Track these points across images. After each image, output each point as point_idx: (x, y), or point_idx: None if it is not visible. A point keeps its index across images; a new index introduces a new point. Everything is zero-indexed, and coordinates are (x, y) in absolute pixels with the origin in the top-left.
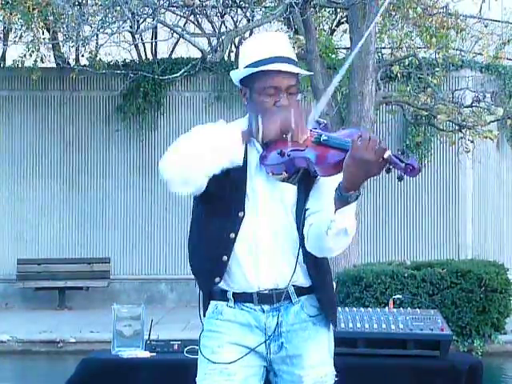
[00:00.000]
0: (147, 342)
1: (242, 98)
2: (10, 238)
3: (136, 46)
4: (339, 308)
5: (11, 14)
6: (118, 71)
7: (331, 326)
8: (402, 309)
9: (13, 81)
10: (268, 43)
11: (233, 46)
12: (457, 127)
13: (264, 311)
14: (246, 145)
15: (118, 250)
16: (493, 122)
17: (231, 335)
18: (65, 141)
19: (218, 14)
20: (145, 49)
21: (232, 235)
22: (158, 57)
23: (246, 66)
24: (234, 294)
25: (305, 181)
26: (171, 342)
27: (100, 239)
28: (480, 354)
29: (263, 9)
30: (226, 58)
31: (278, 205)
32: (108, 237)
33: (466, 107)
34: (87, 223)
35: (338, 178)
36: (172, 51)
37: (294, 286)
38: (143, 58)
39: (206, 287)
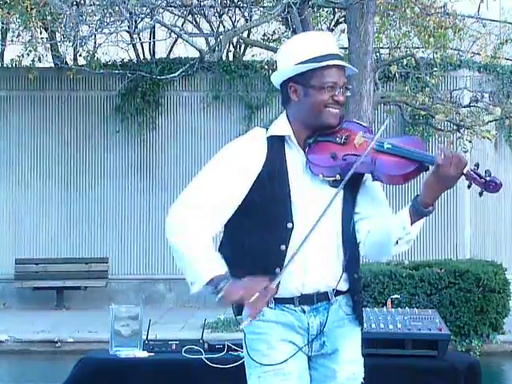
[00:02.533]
0: (145, 341)
1: (291, 94)
2: (8, 238)
3: (134, 46)
4: None
5: (9, 13)
6: (116, 71)
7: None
8: (399, 309)
9: (10, 80)
10: (323, 41)
11: (231, 45)
12: (455, 127)
13: (305, 312)
14: (285, 148)
15: (116, 250)
16: (491, 121)
17: (278, 334)
18: (63, 140)
19: (216, 14)
20: (143, 49)
21: (283, 247)
22: (156, 57)
23: (301, 63)
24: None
25: (351, 185)
26: (169, 342)
27: (98, 239)
28: (478, 353)
29: (261, 8)
30: (224, 58)
31: (327, 212)
32: (106, 237)
33: (464, 107)
34: (85, 223)
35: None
36: (170, 51)
37: (332, 289)
38: (141, 57)
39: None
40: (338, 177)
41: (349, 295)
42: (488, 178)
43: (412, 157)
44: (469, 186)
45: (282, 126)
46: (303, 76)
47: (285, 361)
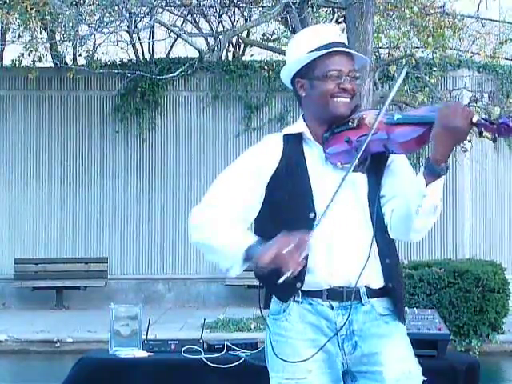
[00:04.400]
0: (144, 341)
1: (298, 90)
2: (7, 238)
3: (133, 46)
4: None
5: (9, 13)
6: (116, 71)
7: (405, 326)
8: None
9: (10, 80)
10: (324, 31)
11: (230, 45)
12: None
13: (333, 308)
14: (303, 145)
15: (115, 250)
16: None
17: (305, 339)
18: (62, 140)
19: (216, 14)
20: (142, 48)
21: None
22: (156, 56)
23: (310, 52)
24: (302, 289)
25: (374, 168)
26: (169, 342)
27: (97, 239)
28: (477, 353)
29: (260, 8)
30: (223, 58)
31: (351, 197)
32: (105, 236)
33: None
34: (85, 223)
35: (407, 161)
36: (169, 51)
37: (365, 286)
38: (141, 57)
39: (287, 295)
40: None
41: (385, 298)
42: (500, 121)
43: (421, 120)
44: (480, 134)
45: (297, 125)
46: (307, 69)
47: (307, 359)
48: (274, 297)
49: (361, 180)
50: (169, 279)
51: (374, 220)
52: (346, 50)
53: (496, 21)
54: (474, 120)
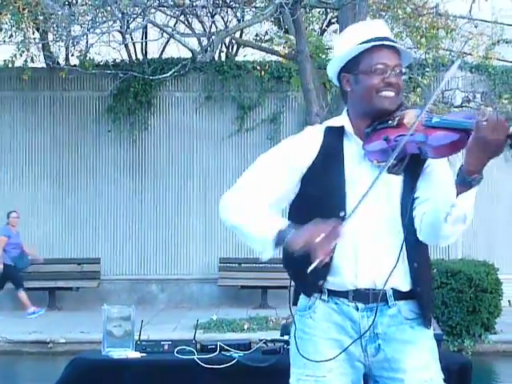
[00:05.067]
0: (137, 342)
1: (344, 85)
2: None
3: (126, 46)
4: None
5: (1, 13)
6: (108, 71)
7: (431, 329)
8: None
9: (3, 81)
10: (372, 26)
11: (223, 46)
12: None
13: (358, 309)
14: (343, 139)
15: (108, 251)
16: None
17: (328, 338)
18: (55, 141)
19: (209, 14)
20: (135, 49)
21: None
22: (148, 57)
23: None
24: (328, 288)
25: (410, 170)
26: (161, 343)
27: (90, 239)
28: (470, 353)
29: (253, 9)
30: (216, 58)
31: (383, 198)
32: (98, 237)
33: (456, 107)
34: (77, 223)
35: (446, 165)
36: (162, 51)
37: (392, 288)
38: (133, 57)
39: (310, 291)
40: (392, 160)
41: (412, 301)
42: None
43: (457, 126)
44: (511, 146)
45: (339, 118)
46: (353, 63)
47: (330, 359)
48: (302, 293)
49: (395, 181)
50: (162, 280)
51: (405, 223)
52: (392, 43)
53: (488, 21)
54: (511, 132)
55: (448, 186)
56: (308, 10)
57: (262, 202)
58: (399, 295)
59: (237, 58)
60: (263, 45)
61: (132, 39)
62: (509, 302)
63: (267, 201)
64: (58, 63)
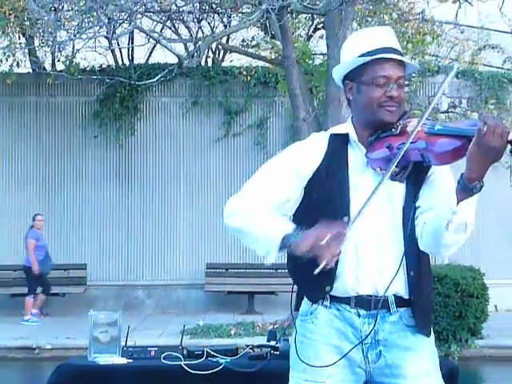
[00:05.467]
0: (124, 348)
1: (347, 93)
2: None
3: (112, 52)
4: None
5: None
6: (95, 76)
7: (432, 336)
8: None
9: None
10: (377, 35)
11: (210, 51)
12: None
13: (360, 315)
14: (347, 147)
15: (94, 256)
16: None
17: (329, 344)
18: (41, 146)
19: (195, 20)
20: (121, 54)
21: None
22: (135, 62)
23: (359, 56)
24: (331, 294)
25: (414, 178)
26: (148, 349)
27: (76, 245)
28: (457, 358)
29: (240, 14)
30: (202, 64)
31: (385, 205)
32: (84, 243)
33: (442, 113)
34: (63, 229)
35: (450, 174)
36: (149, 56)
37: (394, 295)
38: (120, 63)
39: (316, 297)
40: (394, 168)
41: (411, 307)
42: None
43: (459, 133)
44: (511, 151)
45: (344, 126)
46: (356, 72)
47: (330, 364)
48: (304, 298)
49: (398, 189)
50: (148, 285)
51: (407, 231)
52: (394, 56)
53: (474, 27)
54: (510, 138)
55: (450, 193)
56: (294, 15)
57: (267, 206)
58: (401, 302)
59: (223, 64)
60: (250, 50)
61: (118, 44)
62: (495, 306)
63: (272, 205)
64: (44, 68)
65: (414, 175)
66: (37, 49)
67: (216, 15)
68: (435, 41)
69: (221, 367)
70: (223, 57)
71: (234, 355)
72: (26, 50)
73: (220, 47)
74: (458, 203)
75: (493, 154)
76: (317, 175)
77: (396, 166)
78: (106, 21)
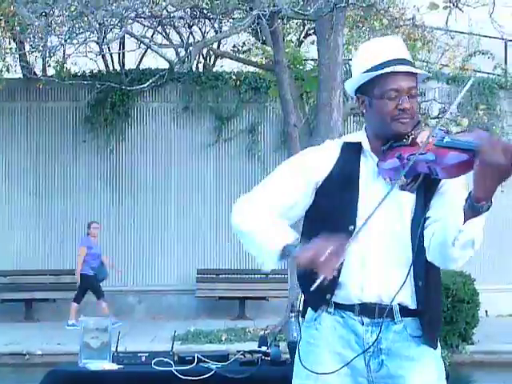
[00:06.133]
0: (114, 354)
1: (360, 106)
2: None
3: (103, 57)
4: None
5: None
6: (85, 82)
7: (438, 348)
8: None
9: None
10: (385, 47)
11: (201, 56)
12: None
13: (363, 323)
14: (360, 156)
15: None
16: (458, 133)
17: (331, 350)
18: (32, 151)
19: (186, 25)
20: (112, 59)
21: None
22: (126, 67)
23: (365, 72)
24: (334, 301)
25: (424, 189)
26: (139, 354)
27: (67, 250)
28: (448, 364)
29: (231, 20)
30: (193, 69)
31: (394, 215)
32: (75, 248)
33: (433, 118)
34: (54, 234)
35: (461, 187)
36: (140, 62)
37: (399, 304)
38: (111, 68)
39: (317, 304)
40: (402, 179)
41: (417, 317)
42: None
43: (466, 146)
44: None
45: (357, 134)
46: (367, 86)
47: (331, 372)
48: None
49: (408, 199)
50: (139, 291)
51: (416, 241)
52: (403, 69)
53: (465, 33)
54: None
55: (458, 210)
56: (285, 21)
57: (274, 211)
58: (406, 312)
59: (214, 69)
60: (241, 56)
61: (109, 50)
62: (486, 312)
63: (279, 210)
64: (34, 74)
65: (425, 186)
66: (27, 54)
67: (207, 21)
68: (426, 46)
69: (212, 373)
70: (214, 62)
71: (224, 361)
72: (17, 55)
73: (211, 53)
74: (465, 221)
75: (500, 172)
76: (327, 182)
77: (406, 177)
78: (97, 26)
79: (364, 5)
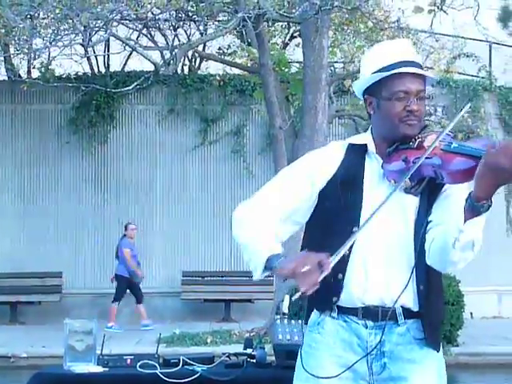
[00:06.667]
0: (99, 356)
1: (367, 107)
2: None
3: (88, 59)
4: (292, 321)
5: None
6: (70, 84)
7: (440, 350)
8: None
9: None
10: (395, 49)
11: (186, 59)
12: None
13: (367, 327)
14: (365, 157)
15: (70, 264)
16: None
17: (332, 354)
18: (16, 153)
19: (171, 28)
20: (97, 62)
21: (346, 252)
22: (111, 70)
23: (374, 72)
24: (338, 305)
25: (428, 193)
26: (124, 357)
27: (52, 253)
28: None
29: (216, 22)
30: (179, 72)
31: (398, 218)
32: (60, 251)
33: None
34: (39, 237)
35: (465, 191)
36: (125, 64)
37: (402, 307)
38: (96, 70)
39: (323, 307)
40: (407, 182)
41: (420, 319)
42: None
43: (474, 153)
44: None
45: (363, 136)
46: (375, 87)
47: (332, 377)
48: (314, 310)
49: (411, 202)
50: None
51: (418, 244)
52: (413, 70)
53: (449, 35)
54: None
55: (459, 211)
56: (270, 23)
57: (277, 216)
58: (409, 314)
59: (200, 71)
60: (226, 58)
61: (94, 52)
62: (471, 314)
63: (282, 215)
64: (19, 76)
65: (429, 189)
66: (12, 56)
67: (192, 23)
68: None
69: (197, 375)
70: (199, 64)
71: (210, 363)
72: (2, 58)
73: (196, 55)
74: (465, 221)
75: (505, 175)
76: (331, 183)
77: (410, 180)
78: (82, 28)
79: (349, 7)
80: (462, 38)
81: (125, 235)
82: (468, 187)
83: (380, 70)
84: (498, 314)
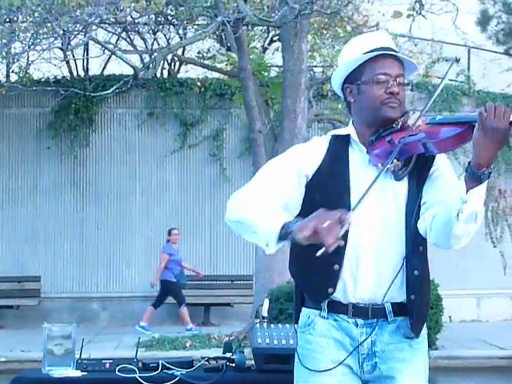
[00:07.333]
0: (78, 360)
1: (347, 96)
2: None
3: (67, 63)
4: (272, 325)
5: None
6: (49, 88)
7: (428, 350)
8: None
9: None
10: (373, 38)
11: (165, 63)
12: None
13: (357, 325)
14: (348, 147)
15: (48, 268)
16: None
17: (328, 354)
18: None
19: (151, 31)
20: (76, 65)
21: (342, 243)
22: (90, 73)
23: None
24: (328, 303)
25: (416, 177)
26: (103, 361)
27: (30, 257)
28: None
29: (196, 26)
30: (158, 75)
31: (389, 204)
32: (38, 254)
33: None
34: (17, 240)
35: (452, 172)
36: (104, 68)
37: (391, 303)
38: (75, 74)
39: (319, 299)
40: (395, 161)
41: (408, 306)
42: None
43: (461, 120)
44: None
45: (345, 129)
46: (355, 74)
47: (327, 369)
48: (302, 311)
49: (401, 188)
50: (103, 298)
51: (410, 229)
52: (393, 53)
53: (428, 40)
54: None
55: (458, 184)
56: (250, 27)
57: (269, 199)
58: (398, 309)
59: (179, 75)
60: (206, 62)
61: (73, 56)
62: (449, 317)
63: (273, 204)
64: None
65: (417, 173)
66: None
67: (171, 27)
68: None
69: (176, 380)
70: (179, 68)
71: (189, 367)
72: None
73: (176, 59)
74: (466, 192)
75: (498, 136)
76: (318, 175)
77: (398, 160)
78: (61, 32)
79: (328, 12)
80: (441, 42)
81: (168, 240)
82: (452, 170)
83: (358, 56)
84: (477, 318)
